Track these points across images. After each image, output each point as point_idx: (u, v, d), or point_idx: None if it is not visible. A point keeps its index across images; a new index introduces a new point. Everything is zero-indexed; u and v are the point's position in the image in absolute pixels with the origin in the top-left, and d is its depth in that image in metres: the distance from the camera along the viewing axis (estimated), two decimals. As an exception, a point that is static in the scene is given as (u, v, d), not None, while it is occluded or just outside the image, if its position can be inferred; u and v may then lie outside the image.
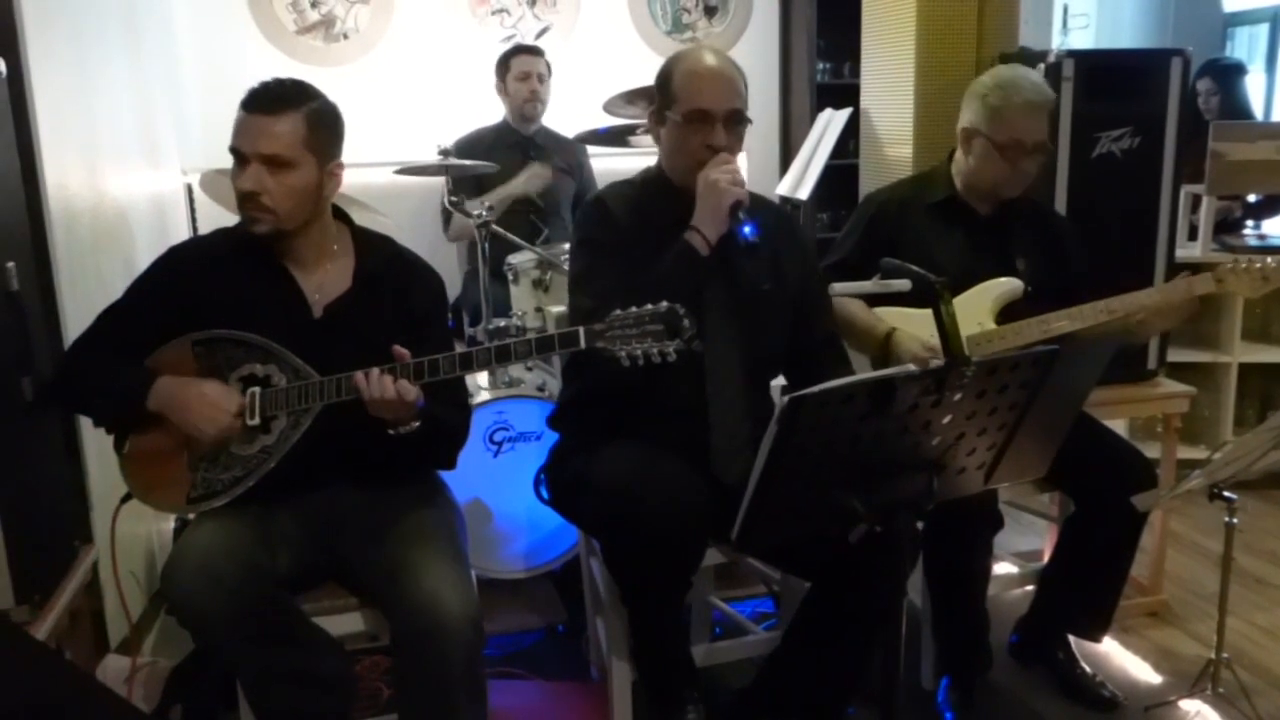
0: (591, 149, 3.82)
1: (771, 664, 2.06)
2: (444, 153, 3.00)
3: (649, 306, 1.65)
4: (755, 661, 2.19)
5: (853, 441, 1.36)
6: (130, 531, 2.49)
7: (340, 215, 1.96)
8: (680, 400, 1.94)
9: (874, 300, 2.29)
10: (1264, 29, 6.33)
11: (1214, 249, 3.61)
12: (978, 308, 2.26)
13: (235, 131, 1.79)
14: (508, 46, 3.84)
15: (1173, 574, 2.92)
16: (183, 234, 3.57)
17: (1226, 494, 2.11)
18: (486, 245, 2.93)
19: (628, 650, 2.07)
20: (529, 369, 2.94)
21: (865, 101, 3.37)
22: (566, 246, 2.62)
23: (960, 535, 2.16)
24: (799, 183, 3.29)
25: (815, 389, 1.28)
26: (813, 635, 1.94)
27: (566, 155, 3.74)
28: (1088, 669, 2.41)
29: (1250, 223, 4.19)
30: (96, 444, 2.17)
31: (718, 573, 2.58)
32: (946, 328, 1.45)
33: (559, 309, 2.82)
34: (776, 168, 4.62)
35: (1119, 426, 3.04)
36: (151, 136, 3.34)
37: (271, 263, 1.87)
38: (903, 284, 1.63)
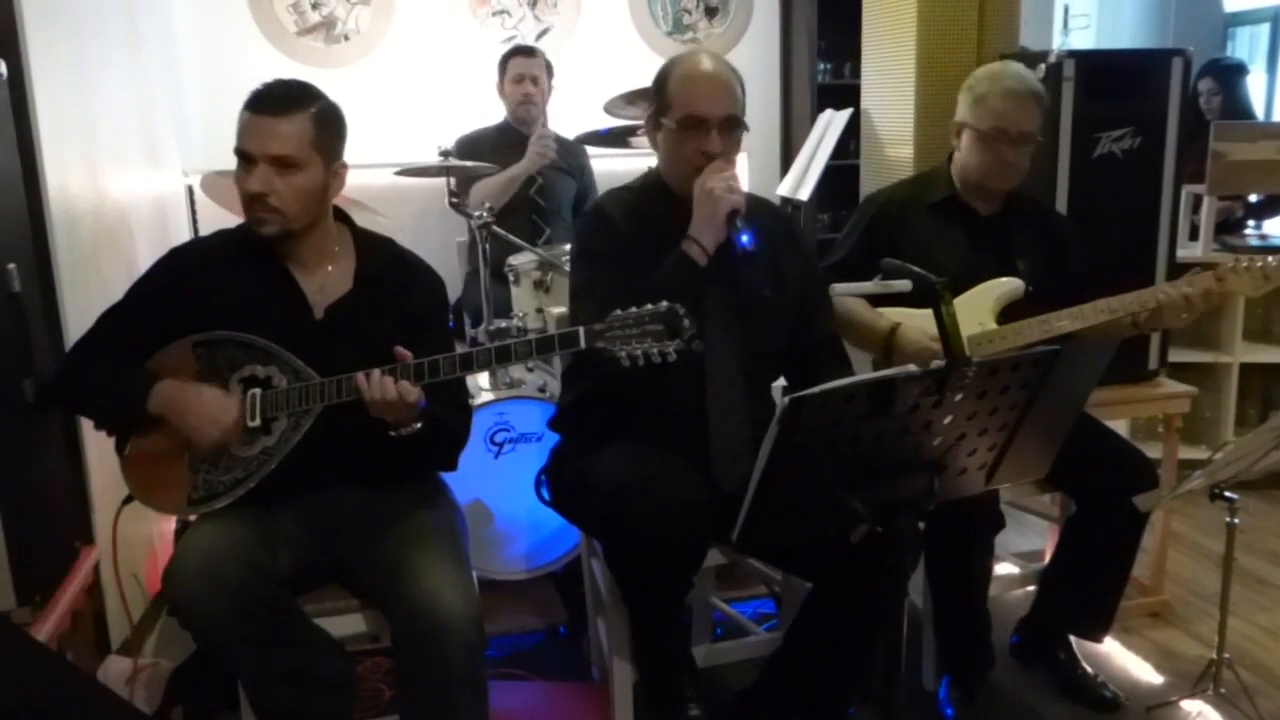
0: (592, 150, 3.82)
1: (773, 665, 2.06)
2: (444, 154, 3.01)
3: (649, 306, 1.65)
4: (756, 662, 2.19)
5: (854, 442, 1.36)
6: (132, 533, 2.48)
7: (341, 216, 1.96)
8: (680, 401, 1.93)
9: (875, 301, 2.29)
10: (1265, 29, 6.32)
11: (1215, 249, 3.60)
12: (978, 308, 2.25)
13: (241, 133, 1.79)
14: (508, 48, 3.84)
15: (1174, 574, 2.92)
16: (184, 235, 3.58)
17: (1228, 494, 2.11)
18: (487, 246, 2.93)
19: (629, 651, 2.06)
20: (530, 370, 2.94)
21: (866, 102, 3.37)
22: (567, 247, 2.62)
23: (961, 535, 2.16)
24: (800, 183, 3.29)
25: (816, 389, 1.28)
26: (814, 636, 1.94)
27: (568, 156, 3.73)
28: (1089, 669, 2.40)
29: (1251, 223, 4.18)
30: (98, 445, 2.17)
31: (719, 573, 2.57)
32: (947, 328, 1.44)
33: (560, 310, 2.81)
34: (777, 168, 4.62)
35: (1120, 427, 3.04)
36: (152, 138, 3.34)
37: (273, 264, 1.87)
38: (903, 284, 1.63)
